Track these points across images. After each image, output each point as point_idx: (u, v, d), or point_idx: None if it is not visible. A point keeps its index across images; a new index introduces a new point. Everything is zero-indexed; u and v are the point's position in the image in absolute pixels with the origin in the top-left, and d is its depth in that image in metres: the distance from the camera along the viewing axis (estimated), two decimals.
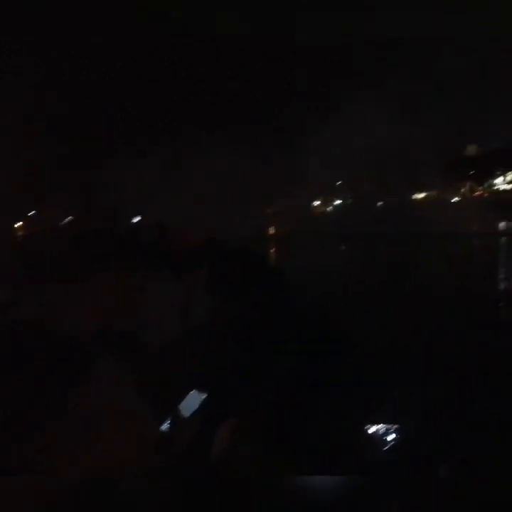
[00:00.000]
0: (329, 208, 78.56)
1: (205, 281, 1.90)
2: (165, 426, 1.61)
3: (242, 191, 58.35)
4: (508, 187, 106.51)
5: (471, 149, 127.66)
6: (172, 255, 2.03)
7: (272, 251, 33.33)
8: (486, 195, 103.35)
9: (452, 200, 70.80)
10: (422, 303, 13.76)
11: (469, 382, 7.72)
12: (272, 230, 51.75)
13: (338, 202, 79.24)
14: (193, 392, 1.89)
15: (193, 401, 1.89)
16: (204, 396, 1.90)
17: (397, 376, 6.99)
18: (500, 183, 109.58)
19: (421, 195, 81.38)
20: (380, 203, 74.76)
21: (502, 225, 54.95)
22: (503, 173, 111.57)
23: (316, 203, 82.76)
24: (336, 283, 18.57)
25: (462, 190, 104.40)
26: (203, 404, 1.83)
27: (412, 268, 23.48)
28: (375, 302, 13.71)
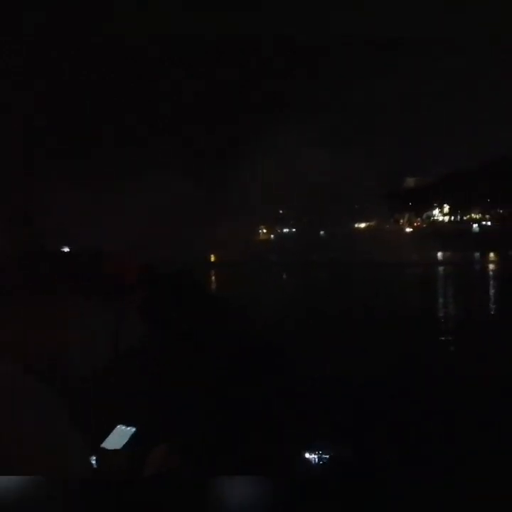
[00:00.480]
0: (272, 236, 78.97)
1: (138, 306, 1.46)
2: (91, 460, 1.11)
3: (185, 220, 57.73)
4: (445, 218, 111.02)
5: (410, 182, 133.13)
6: (105, 280, 1.57)
7: (211, 278, 32.71)
8: (424, 225, 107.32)
9: (391, 230, 72.46)
10: (352, 329, 13.86)
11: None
12: (213, 258, 51.16)
13: (282, 230, 79.81)
14: (119, 427, 1.66)
15: (119, 435, 1.64)
16: (132, 430, 1.65)
17: (325, 391, 7.33)
18: (437, 214, 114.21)
19: (362, 225, 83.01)
20: (322, 233, 75.72)
21: (439, 254, 56.43)
22: (440, 205, 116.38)
23: (260, 231, 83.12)
24: (272, 309, 18.58)
25: (401, 220, 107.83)
26: (131, 438, 1.62)
27: (344, 295, 23.71)
28: (309, 327, 13.55)
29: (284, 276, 37.85)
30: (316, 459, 1.42)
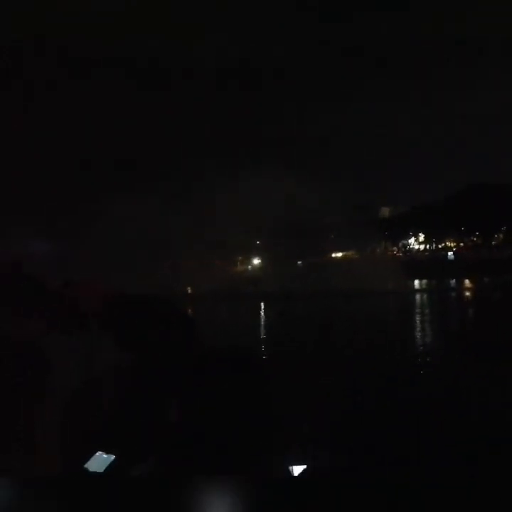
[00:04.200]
0: (248, 267, 78.82)
1: (109, 333, 1.36)
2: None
3: (159, 252, 57.34)
4: (420, 247, 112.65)
5: (385, 211, 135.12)
6: (75, 307, 1.48)
7: (187, 310, 32.26)
8: (399, 254, 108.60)
9: (368, 259, 72.92)
10: (330, 359, 13.84)
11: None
12: (189, 290, 50.67)
13: (256, 261, 79.78)
14: (100, 454, 1.58)
15: (99, 461, 1.57)
16: (111, 458, 1.57)
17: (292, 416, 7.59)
18: (412, 243, 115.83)
19: (339, 255, 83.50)
20: (299, 263, 75.87)
21: (416, 283, 56.79)
22: (415, 234, 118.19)
23: (237, 262, 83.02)
24: (242, 338, 18.53)
25: (377, 250, 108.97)
26: (111, 465, 1.56)
27: (318, 325, 23.72)
28: (285, 357, 13.39)
29: (262, 309, 37.51)
30: (296, 467, 1.37)
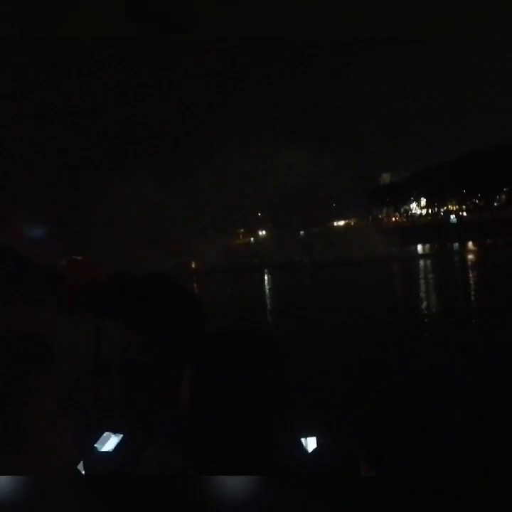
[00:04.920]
0: (250, 240, 78.74)
1: (113, 314, 1.35)
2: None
3: (162, 227, 57.23)
4: (422, 211, 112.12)
5: (386, 178, 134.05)
6: (77, 289, 1.46)
7: (193, 285, 32.36)
8: (402, 220, 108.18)
9: (370, 226, 72.75)
10: (338, 330, 13.81)
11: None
12: (193, 265, 50.79)
13: (258, 234, 79.62)
14: (107, 434, 1.60)
15: (108, 441, 1.59)
16: (120, 436, 1.60)
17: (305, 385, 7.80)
18: (414, 208, 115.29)
19: (341, 223, 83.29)
20: (301, 233, 75.75)
21: (419, 247, 56.73)
22: (417, 199, 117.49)
23: (239, 235, 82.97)
24: (247, 312, 18.54)
25: (379, 216, 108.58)
26: (120, 443, 1.57)
27: (324, 295, 23.70)
28: (295, 333, 13.39)
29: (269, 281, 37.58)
30: (309, 452, 1.34)
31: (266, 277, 38.54)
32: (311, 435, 1.35)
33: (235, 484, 0.88)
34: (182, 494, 0.86)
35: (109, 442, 1.57)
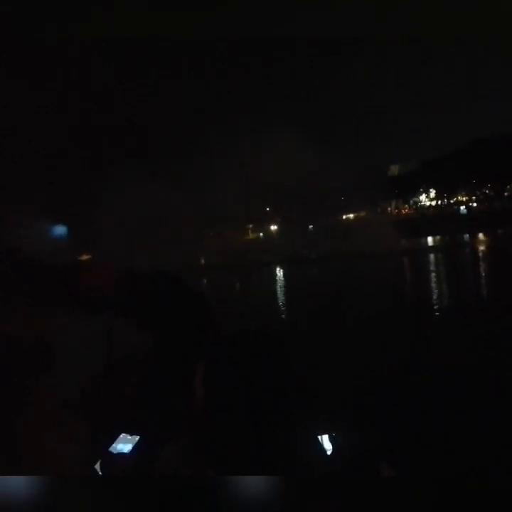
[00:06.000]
0: (259, 235, 78.59)
1: (125, 314, 1.36)
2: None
3: (171, 224, 57.29)
4: (432, 203, 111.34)
5: (394, 170, 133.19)
6: (88, 290, 1.46)
7: (202, 281, 32.40)
8: (411, 212, 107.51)
9: (379, 219, 72.34)
10: (350, 325, 13.78)
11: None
12: (203, 261, 50.86)
13: (267, 228, 79.46)
14: (123, 435, 1.61)
15: (124, 442, 1.61)
16: (136, 438, 1.60)
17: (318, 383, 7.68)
18: (424, 199, 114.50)
19: (350, 216, 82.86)
20: (311, 227, 75.54)
21: (429, 239, 56.39)
22: (426, 191, 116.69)
23: (248, 230, 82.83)
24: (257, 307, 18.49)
25: (389, 209, 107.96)
26: (136, 445, 1.57)
27: (335, 289, 23.57)
28: (308, 327, 13.37)
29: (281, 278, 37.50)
30: (325, 449, 1.34)
31: (276, 272, 38.50)
32: (331, 435, 1.35)
33: (254, 484, 0.88)
34: (200, 494, 0.85)
35: (126, 443, 1.57)
